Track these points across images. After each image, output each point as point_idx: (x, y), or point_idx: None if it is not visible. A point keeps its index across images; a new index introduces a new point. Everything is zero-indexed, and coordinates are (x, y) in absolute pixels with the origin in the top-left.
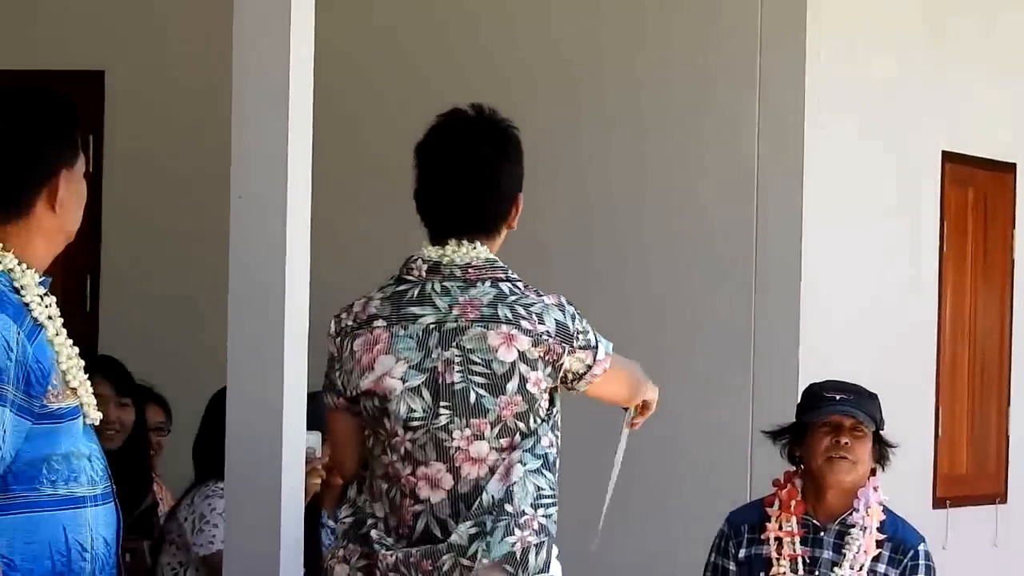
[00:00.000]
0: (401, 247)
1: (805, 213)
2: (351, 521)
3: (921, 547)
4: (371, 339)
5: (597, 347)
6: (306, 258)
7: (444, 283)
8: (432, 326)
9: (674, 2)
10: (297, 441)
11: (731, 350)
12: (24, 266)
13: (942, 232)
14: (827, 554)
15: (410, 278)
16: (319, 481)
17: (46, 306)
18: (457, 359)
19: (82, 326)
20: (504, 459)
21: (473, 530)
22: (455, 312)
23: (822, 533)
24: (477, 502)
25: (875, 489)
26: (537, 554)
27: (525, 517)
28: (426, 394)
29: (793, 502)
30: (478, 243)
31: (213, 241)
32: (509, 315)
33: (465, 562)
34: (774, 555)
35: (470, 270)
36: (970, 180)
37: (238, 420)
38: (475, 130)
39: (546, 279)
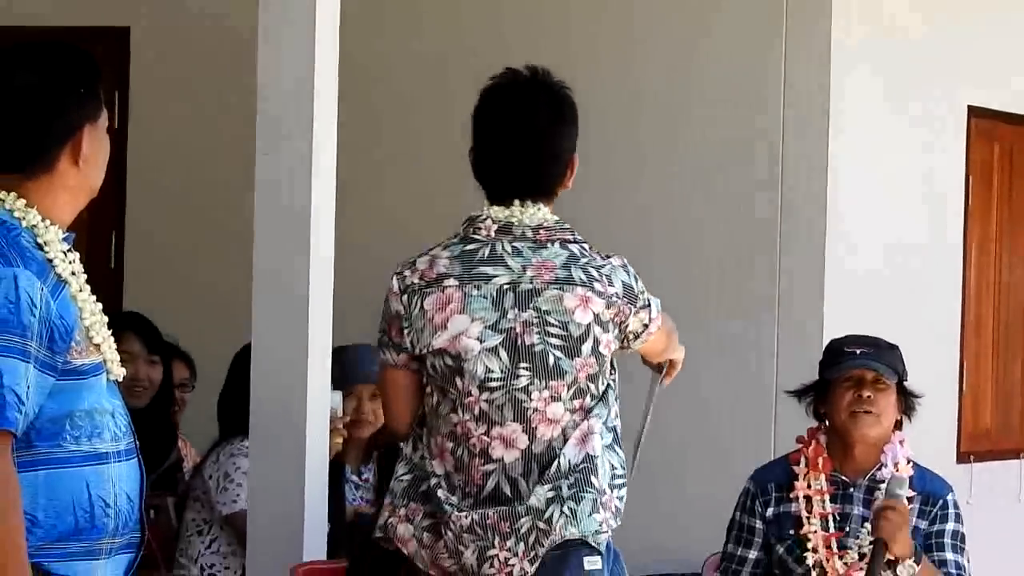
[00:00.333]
0: (427, 204)
1: (830, 170)
2: (409, 479)
3: (949, 496)
4: (443, 298)
5: (650, 305)
6: (331, 214)
7: (515, 243)
8: (506, 287)
9: None
10: (322, 399)
11: (756, 307)
12: (48, 222)
13: (967, 187)
14: (857, 510)
15: (478, 237)
16: (340, 440)
17: (70, 262)
18: (535, 320)
19: (107, 283)
20: (576, 421)
21: (550, 494)
22: (529, 273)
23: (851, 489)
24: (554, 466)
25: (901, 443)
26: (610, 538)
27: (605, 497)
28: (503, 355)
29: (820, 459)
30: (541, 204)
31: (239, 198)
32: (583, 277)
33: (542, 525)
34: (804, 513)
35: (541, 231)
36: (995, 135)
37: (262, 377)
38: (530, 93)
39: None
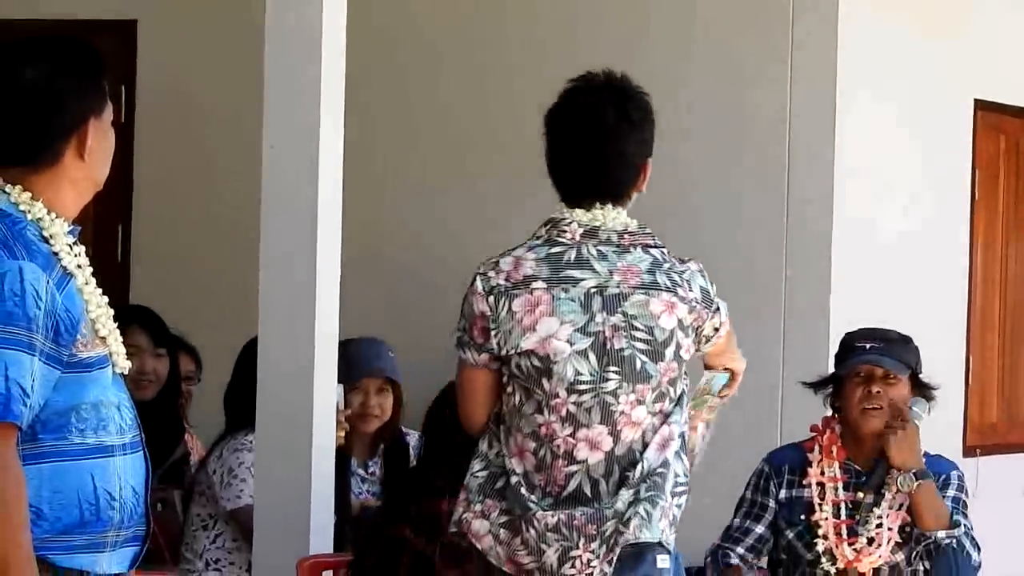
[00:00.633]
0: (432, 201)
1: (836, 162)
2: (485, 476)
3: (954, 472)
4: (532, 300)
5: (720, 309)
6: (338, 210)
7: (599, 247)
8: (593, 290)
9: None
10: (328, 392)
11: (762, 298)
12: (53, 215)
13: (974, 180)
14: (868, 499)
15: (563, 240)
16: (343, 434)
17: (75, 255)
18: (623, 324)
19: (114, 276)
20: (655, 425)
21: (632, 497)
22: (616, 277)
23: (863, 478)
24: (637, 470)
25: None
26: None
27: (667, 504)
28: (592, 358)
29: (834, 447)
30: (619, 208)
31: (246, 192)
32: (667, 283)
33: (622, 528)
34: (816, 500)
35: (625, 236)
36: (1002, 127)
37: (269, 371)
38: (600, 95)
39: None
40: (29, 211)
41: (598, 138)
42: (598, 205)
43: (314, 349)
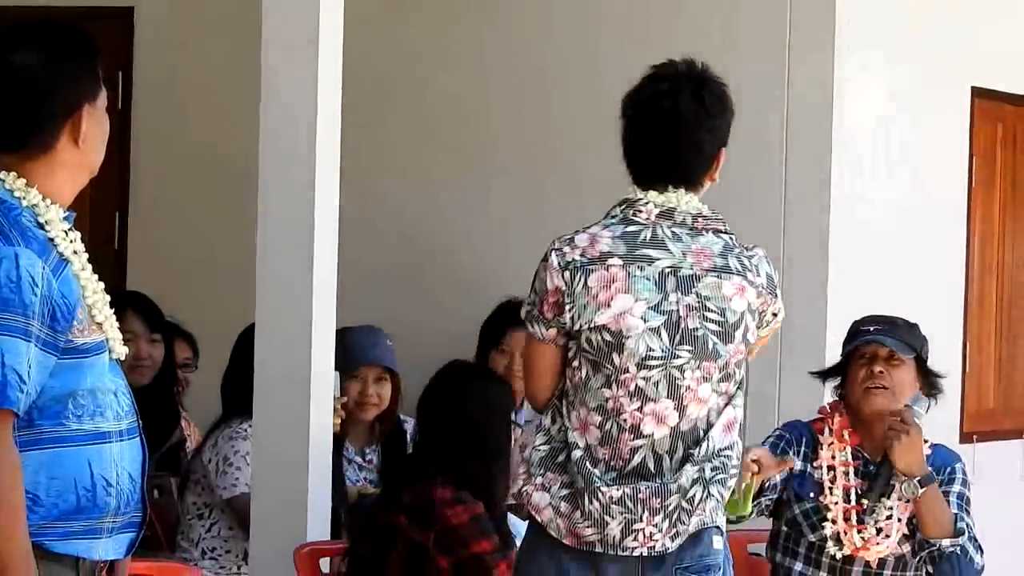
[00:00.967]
0: (431, 188)
1: (834, 150)
2: (547, 450)
3: (957, 464)
4: (607, 276)
5: (778, 296)
6: (335, 198)
7: (674, 229)
8: (668, 270)
9: None
10: (325, 380)
11: None
12: (48, 201)
13: (971, 168)
14: (876, 487)
15: (639, 220)
16: (339, 421)
17: (71, 241)
18: (696, 305)
19: (111, 263)
20: (720, 405)
21: (696, 475)
22: (690, 259)
23: (871, 467)
24: (702, 448)
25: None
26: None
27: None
28: (664, 335)
29: (846, 432)
30: (692, 194)
31: (243, 179)
32: (738, 267)
33: (685, 504)
34: (827, 483)
35: (699, 219)
36: (999, 115)
37: (265, 358)
38: (677, 82)
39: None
40: (24, 197)
41: (673, 124)
42: (671, 189)
43: (311, 337)
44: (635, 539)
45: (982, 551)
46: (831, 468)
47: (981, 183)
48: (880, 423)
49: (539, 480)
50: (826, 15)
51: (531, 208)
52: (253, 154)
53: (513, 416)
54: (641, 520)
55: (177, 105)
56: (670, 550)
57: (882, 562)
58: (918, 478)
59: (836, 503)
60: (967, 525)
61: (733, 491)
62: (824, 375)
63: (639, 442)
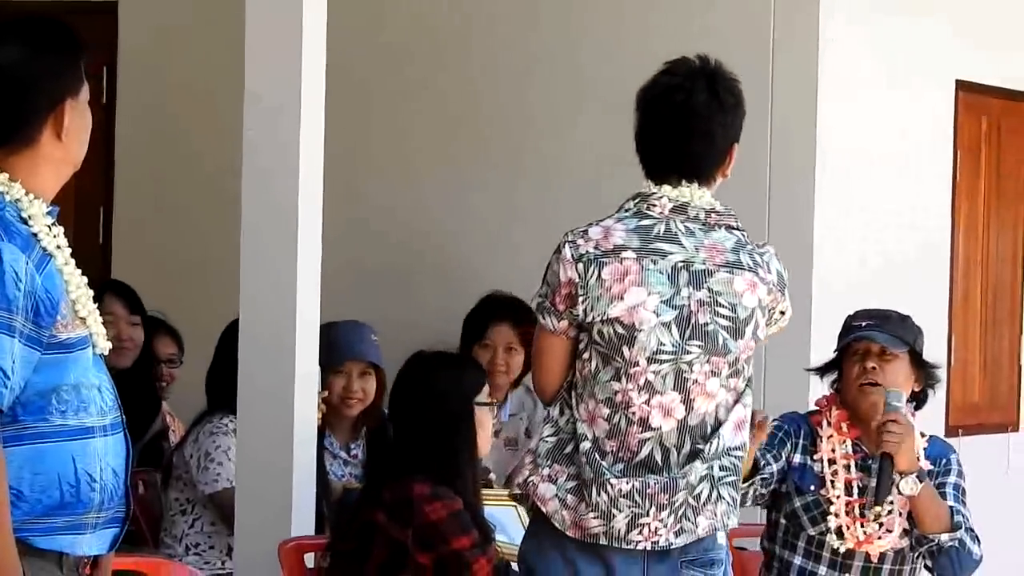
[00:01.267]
0: (415, 183)
1: (818, 143)
2: (554, 441)
3: (952, 455)
4: (621, 269)
5: (786, 294)
6: (319, 193)
7: (687, 224)
8: (680, 264)
9: None
10: (310, 375)
11: None
12: (31, 196)
13: (955, 161)
14: (875, 481)
15: (652, 214)
16: (320, 416)
17: (54, 236)
18: (707, 300)
19: (95, 258)
20: (729, 402)
21: (704, 472)
22: (702, 254)
23: (870, 461)
24: (712, 445)
25: (911, 416)
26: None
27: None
28: (675, 330)
29: (844, 424)
30: (704, 188)
31: (227, 173)
32: (750, 263)
33: (692, 501)
34: (828, 476)
35: (712, 215)
36: (984, 109)
37: (250, 353)
38: (691, 77)
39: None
40: (7, 192)
41: (686, 118)
42: (684, 184)
43: (295, 333)
44: (640, 533)
45: (979, 542)
46: (832, 462)
47: (966, 177)
48: (874, 416)
49: (545, 471)
50: (810, 12)
51: (514, 207)
52: (237, 149)
53: (496, 411)
54: (648, 515)
55: (161, 100)
56: (674, 546)
57: (882, 556)
58: (916, 473)
59: (839, 496)
60: (964, 517)
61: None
62: (820, 371)
63: (647, 435)
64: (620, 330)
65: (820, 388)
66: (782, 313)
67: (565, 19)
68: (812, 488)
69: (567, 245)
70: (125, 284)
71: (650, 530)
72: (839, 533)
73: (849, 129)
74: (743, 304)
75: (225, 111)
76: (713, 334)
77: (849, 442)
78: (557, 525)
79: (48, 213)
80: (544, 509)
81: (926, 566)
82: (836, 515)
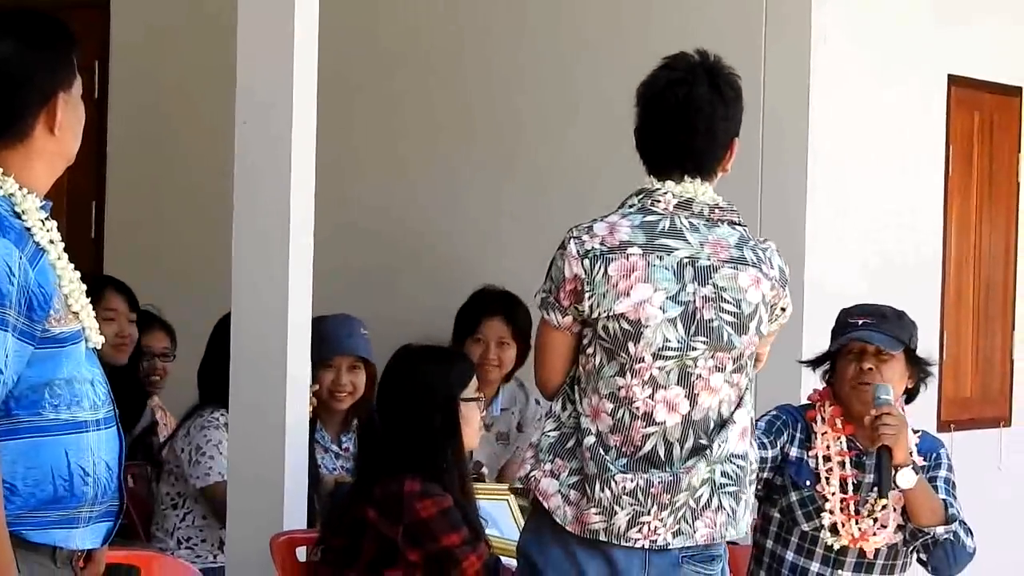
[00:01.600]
0: (407, 178)
1: (810, 139)
2: (556, 436)
3: (942, 450)
4: (627, 265)
5: (787, 290)
6: (311, 187)
7: (691, 219)
8: (686, 260)
9: None
10: (302, 369)
11: None
12: (25, 191)
13: (947, 156)
14: (869, 477)
15: (657, 210)
16: (310, 409)
17: (47, 230)
18: (712, 296)
19: (87, 252)
20: (732, 398)
21: (707, 475)
22: (707, 250)
23: (864, 457)
24: (716, 448)
25: (902, 410)
26: None
27: (747, 496)
28: (680, 326)
29: (838, 420)
30: (707, 183)
31: (219, 168)
32: (754, 259)
33: (692, 503)
34: (823, 472)
35: (716, 210)
36: (976, 104)
37: (241, 347)
38: (692, 71)
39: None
40: (1, 187)
41: (689, 112)
42: (687, 179)
43: (287, 327)
44: (639, 531)
45: (972, 534)
46: (827, 459)
47: (958, 172)
48: (865, 411)
49: (548, 466)
50: (802, 3)
51: (503, 205)
52: (229, 145)
53: (487, 405)
54: (648, 513)
55: (153, 95)
56: (671, 546)
57: (875, 551)
58: (911, 466)
59: (833, 493)
60: (957, 510)
61: None
62: (813, 364)
63: (651, 429)
64: (626, 326)
65: (812, 381)
66: (783, 310)
67: (556, 21)
68: (808, 484)
69: (572, 241)
70: (122, 281)
71: (649, 529)
72: (834, 530)
73: (841, 125)
74: (747, 300)
75: (217, 107)
76: (718, 330)
77: (843, 439)
78: (559, 521)
79: (41, 208)
80: (547, 505)
81: (919, 559)
82: (831, 512)
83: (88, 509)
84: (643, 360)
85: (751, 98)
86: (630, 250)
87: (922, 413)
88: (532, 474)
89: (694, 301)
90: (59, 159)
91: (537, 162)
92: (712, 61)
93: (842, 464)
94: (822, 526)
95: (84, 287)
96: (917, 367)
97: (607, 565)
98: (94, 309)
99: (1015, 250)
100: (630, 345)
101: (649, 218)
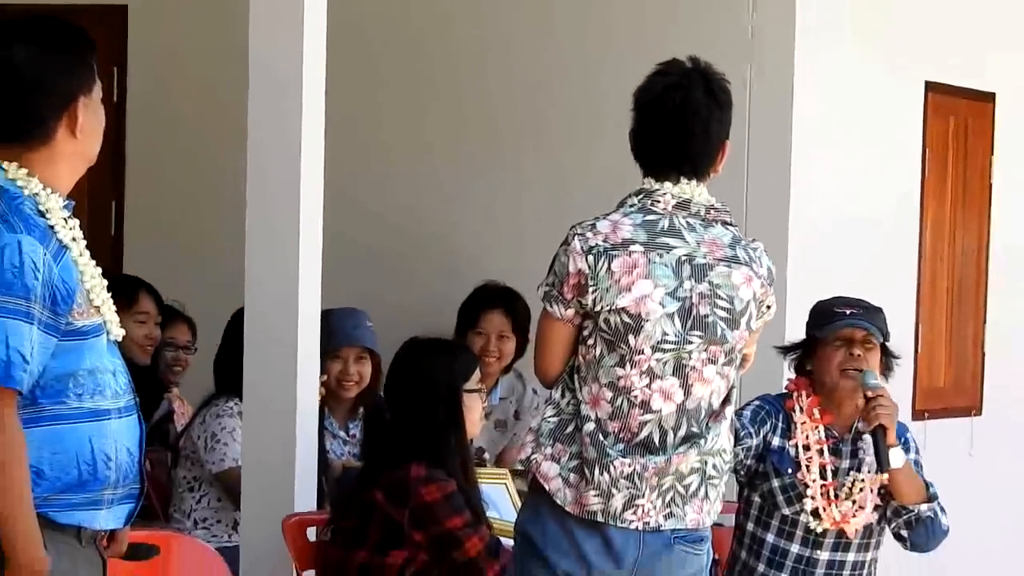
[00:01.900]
0: (411, 178)
1: (794, 140)
2: (556, 421)
3: (908, 434)
4: (630, 262)
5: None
6: (319, 190)
7: (688, 219)
8: (684, 258)
9: None
10: (311, 360)
11: None
12: (49, 190)
13: (924, 159)
14: (845, 463)
15: (657, 210)
16: (319, 398)
17: (70, 228)
18: (708, 293)
19: (108, 249)
20: (722, 389)
21: (697, 464)
22: (703, 249)
23: (840, 444)
24: (708, 440)
25: None
26: None
27: (723, 489)
28: (677, 321)
29: (816, 410)
30: (702, 185)
31: (233, 167)
32: (746, 257)
33: (680, 488)
34: (804, 461)
35: (711, 211)
36: (951, 109)
37: (255, 339)
38: (688, 78)
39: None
40: (26, 187)
41: (686, 116)
42: (683, 180)
43: (297, 320)
44: (634, 513)
45: (946, 512)
46: (806, 447)
47: (933, 174)
48: (850, 401)
49: (548, 450)
50: (787, 14)
51: (511, 200)
52: (242, 146)
53: (486, 395)
54: (643, 497)
55: (169, 97)
56: (663, 528)
57: (854, 531)
58: (900, 446)
59: (814, 480)
60: (936, 490)
61: None
62: (788, 351)
63: (648, 417)
64: (627, 319)
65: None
66: (768, 307)
67: (580, 24)
68: (790, 471)
69: (576, 238)
70: (150, 283)
71: (643, 511)
72: (816, 514)
73: (823, 129)
74: (740, 297)
75: (230, 108)
76: (712, 325)
77: (822, 428)
78: (559, 502)
79: (64, 207)
80: (547, 487)
81: (898, 536)
82: (812, 498)
83: (111, 492)
84: (642, 352)
85: (737, 103)
86: (632, 247)
87: (898, 402)
88: (533, 457)
89: (691, 297)
90: (81, 160)
91: (561, 164)
92: (704, 67)
93: (821, 452)
94: (803, 510)
95: (105, 282)
96: (887, 358)
97: (604, 544)
98: (127, 311)
99: (987, 249)
100: (630, 337)
101: (649, 217)
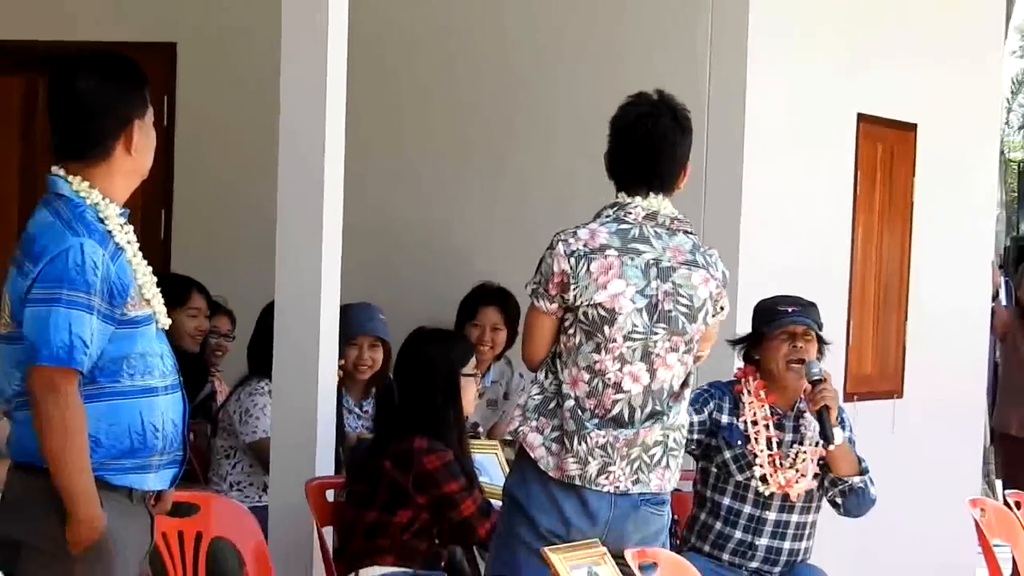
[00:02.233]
0: (416, 186)
1: (745, 163)
2: (540, 399)
3: (844, 414)
4: (606, 264)
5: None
6: (339, 203)
7: (656, 229)
8: (651, 261)
9: None
10: (331, 347)
11: None
12: (107, 200)
13: (856, 179)
14: (788, 436)
15: (629, 220)
16: (337, 380)
17: (125, 233)
18: (671, 291)
19: (158, 252)
20: (681, 375)
21: (660, 437)
22: (668, 254)
23: (784, 420)
24: (671, 416)
25: None
26: None
27: (681, 459)
28: (645, 315)
29: (762, 392)
30: (667, 200)
31: (266, 181)
32: (704, 262)
33: (645, 458)
34: (752, 435)
35: (675, 222)
36: (879, 137)
37: (284, 329)
38: (661, 110)
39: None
40: (88, 197)
41: (655, 141)
42: (651, 195)
43: (320, 312)
44: (606, 479)
45: (874, 484)
46: (754, 423)
47: (864, 192)
48: (792, 385)
49: (533, 423)
50: (739, 56)
51: (506, 207)
52: (273, 161)
53: (480, 378)
54: (614, 464)
55: (212, 122)
56: (631, 491)
57: (797, 495)
58: (840, 425)
59: (762, 451)
60: (867, 464)
61: None
62: (737, 343)
63: (619, 396)
64: (603, 313)
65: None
66: (722, 308)
67: (579, 31)
68: (739, 443)
69: (560, 243)
70: (200, 282)
71: (614, 477)
72: (764, 480)
73: (769, 155)
74: (698, 295)
75: (266, 130)
76: (675, 319)
77: (767, 406)
78: (542, 468)
79: (120, 214)
80: (532, 455)
81: (832, 503)
82: (760, 466)
83: (158, 458)
84: (615, 341)
85: (697, 129)
86: (608, 252)
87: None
88: (520, 429)
89: (657, 295)
90: (135, 175)
91: (525, 171)
92: (668, 98)
93: (767, 427)
94: (753, 476)
95: (155, 279)
96: (820, 344)
97: (581, 504)
98: (181, 306)
99: (908, 256)
100: (605, 328)
101: (623, 227)
